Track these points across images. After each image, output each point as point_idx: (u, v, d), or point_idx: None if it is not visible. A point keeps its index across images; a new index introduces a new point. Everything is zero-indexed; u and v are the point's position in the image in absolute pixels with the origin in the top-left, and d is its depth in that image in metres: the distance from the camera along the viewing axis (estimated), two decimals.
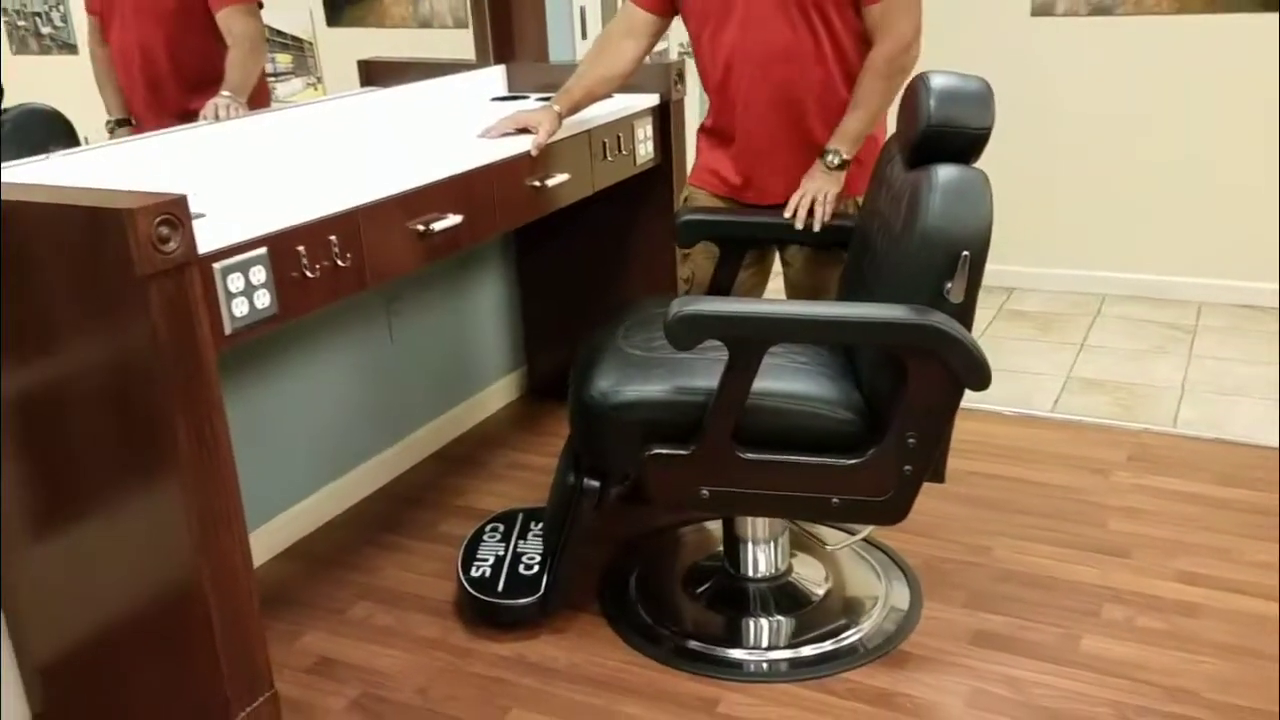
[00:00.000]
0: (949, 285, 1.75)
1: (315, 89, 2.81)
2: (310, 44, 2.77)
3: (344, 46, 2.87)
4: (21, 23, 2.49)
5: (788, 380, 1.89)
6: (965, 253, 1.74)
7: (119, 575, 1.68)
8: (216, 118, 2.29)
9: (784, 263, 2.42)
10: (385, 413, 2.74)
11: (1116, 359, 3.38)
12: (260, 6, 2.47)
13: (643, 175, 2.76)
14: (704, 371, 1.85)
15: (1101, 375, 3.26)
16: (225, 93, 2.35)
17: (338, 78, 2.78)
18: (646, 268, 2.91)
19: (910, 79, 1.92)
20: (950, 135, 1.82)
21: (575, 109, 2.40)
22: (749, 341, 1.76)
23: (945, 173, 1.80)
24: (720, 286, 2.38)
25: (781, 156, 2.28)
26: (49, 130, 2.45)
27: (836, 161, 2.19)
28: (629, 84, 2.52)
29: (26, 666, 1.87)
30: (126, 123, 2.36)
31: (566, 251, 3.05)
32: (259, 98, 2.49)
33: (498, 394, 3.16)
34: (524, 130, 2.31)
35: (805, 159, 2.25)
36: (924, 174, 1.82)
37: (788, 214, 2.22)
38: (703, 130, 2.43)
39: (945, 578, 2.23)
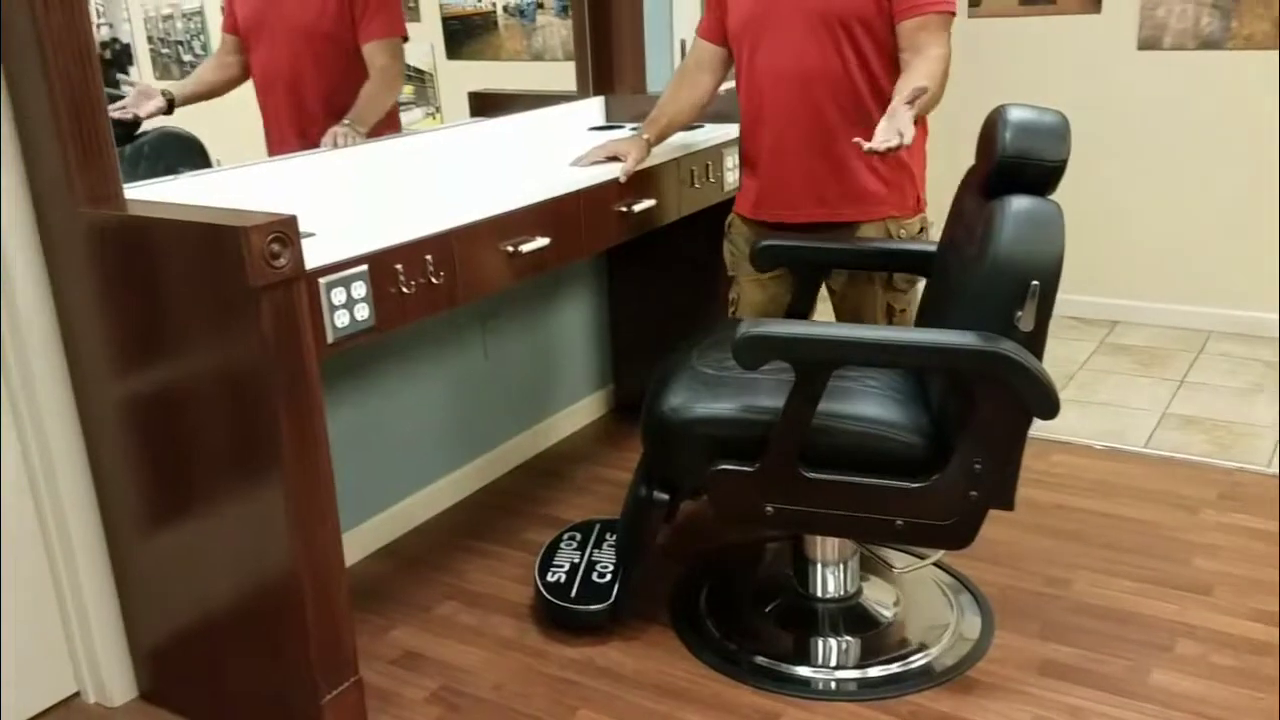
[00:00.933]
0: (1019, 314, 1.78)
1: (434, 118, 2.97)
2: (431, 75, 2.93)
3: (462, 78, 3.02)
4: (165, 50, 2.69)
5: (855, 403, 1.94)
6: (1035, 282, 1.76)
7: (222, 565, 1.83)
8: (335, 145, 2.45)
9: (828, 289, 2.47)
10: (476, 424, 2.87)
11: (1216, 396, 3.29)
12: (405, 40, 2.61)
13: (730, 202, 2.83)
14: (772, 391, 1.92)
15: (1199, 413, 3.18)
16: (346, 121, 2.48)
17: (455, 107, 2.93)
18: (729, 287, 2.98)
19: (990, 112, 1.95)
20: (1026, 167, 1.85)
21: (662, 137, 2.51)
22: (815, 364, 1.81)
23: (1019, 203, 1.82)
24: (798, 311, 2.44)
25: (806, 176, 2.33)
26: (184, 151, 2.64)
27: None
28: (717, 114, 2.63)
29: (137, 648, 2.04)
30: (170, 110, 2.49)
31: (657, 274, 3.15)
32: (389, 126, 2.63)
33: (584, 410, 3.27)
34: (614, 158, 2.42)
35: (838, 180, 2.31)
36: (998, 204, 1.85)
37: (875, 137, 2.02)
38: (741, 159, 2.51)
39: (1020, 608, 2.23)
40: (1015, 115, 1.88)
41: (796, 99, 2.29)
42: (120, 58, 2.73)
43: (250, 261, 1.56)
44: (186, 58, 2.79)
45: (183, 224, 1.65)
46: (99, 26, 2.84)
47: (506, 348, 2.93)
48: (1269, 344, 3.64)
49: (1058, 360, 3.51)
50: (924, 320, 2.17)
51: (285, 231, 1.61)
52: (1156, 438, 3.03)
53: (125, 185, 1.81)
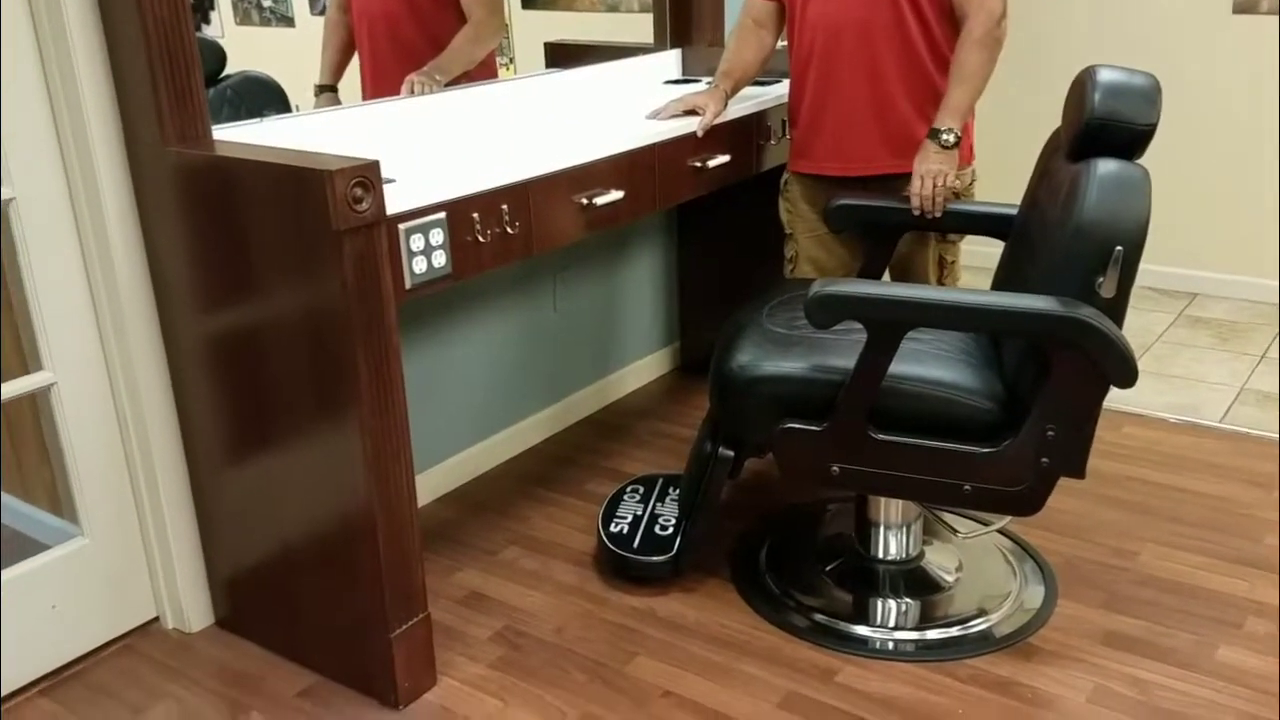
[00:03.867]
0: (1101, 280, 1.74)
1: (508, 69, 2.97)
2: (507, 25, 2.92)
3: (538, 28, 3.03)
4: None
5: (928, 365, 1.92)
6: (1119, 248, 1.72)
7: (299, 499, 1.89)
8: (411, 92, 2.47)
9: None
10: (545, 376, 2.90)
11: None
12: None
13: None
14: (843, 351, 1.91)
15: (1277, 389, 3.09)
16: (425, 69, 2.49)
17: (530, 58, 2.93)
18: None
19: (1079, 72, 1.90)
20: (1114, 129, 1.80)
21: (737, 89, 2.50)
22: (887, 324, 1.80)
23: (1105, 167, 1.78)
24: (870, 273, 2.42)
25: (857, 128, 2.32)
26: (265, 96, 2.68)
27: (951, 140, 2.19)
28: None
29: (214, 577, 2.12)
30: (331, 89, 2.57)
31: (726, 233, 3.13)
32: (486, 72, 2.65)
33: (651, 366, 3.28)
34: (691, 112, 2.40)
35: (885, 130, 2.29)
36: (1084, 167, 1.81)
37: (913, 201, 2.23)
38: (790, 114, 2.48)
39: (1085, 578, 2.21)
40: (1105, 76, 1.83)
41: (848, 49, 2.28)
42: (203, 3, 2.77)
43: (334, 205, 1.59)
44: (266, 3, 2.82)
45: (269, 165, 1.68)
46: None
47: (576, 301, 2.95)
48: None
49: (1134, 331, 3.43)
50: (1001, 282, 2.13)
51: (368, 176, 1.63)
52: (1233, 413, 2.96)
53: (214, 126, 1.85)
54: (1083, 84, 1.85)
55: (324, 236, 1.62)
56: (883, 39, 2.24)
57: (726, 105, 2.45)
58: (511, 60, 3.18)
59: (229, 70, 2.56)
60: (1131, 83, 1.82)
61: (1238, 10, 3.50)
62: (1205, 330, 3.55)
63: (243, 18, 2.77)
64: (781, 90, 2.69)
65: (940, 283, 2.42)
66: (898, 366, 1.85)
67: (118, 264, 1.87)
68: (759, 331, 2.07)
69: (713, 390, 2.08)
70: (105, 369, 1.96)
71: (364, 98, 2.55)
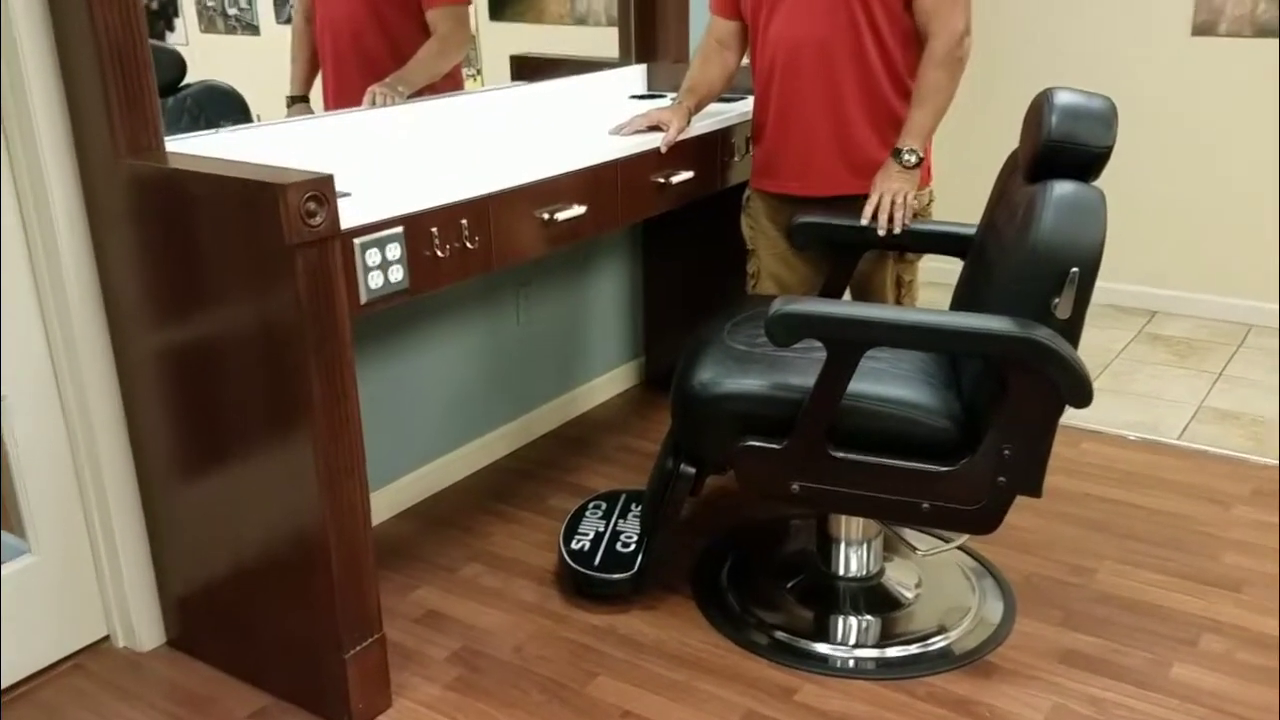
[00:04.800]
0: (1057, 301, 1.76)
1: (475, 80, 2.94)
2: (474, 36, 2.89)
3: (504, 39, 3.00)
4: (210, 3, 2.69)
5: (887, 384, 1.92)
6: (1075, 269, 1.73)
7: (251, 517, 1.86)
8: (373, 104, 2.45)
9: None
10: (508, 390, 2.88)
11: (1254, 392, 3.24)
12: (468, 3, 2.61)
13: None
14: (803, 369, 1.91)
15: (1236, 407, 3.13)
16: (388, 80, 2.47)
17: (497, 69, 2.92)
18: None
19: (1037, 95, 1.92)
20: (1070, 151, 1.82)
21: (701, 106, 2.50)
22: (847, 343, 1.80)
23: (1061, 189, 1.79)
24: (831, 291, 2.43)
25: (815, 148, 2.33)
26: (226, 106, 2.65)
27: (913, 160, 2.20)
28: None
29: (166, 595, 2.08)
30: (303, 99, 2.54)
31: (692, 247, 3.13)
32: (451, 84, 2.64)
33: (615, 380, 3.27)
34: (655, 128, 2.40)
35: (843, 151, 2.30)
36: (1041, 189, 1.82)
37: (866, 219, 2.24)
38: (753, 131, 2.49)
39: (1043, 595, 2.22)
40: (1062, 99, 1.85)
41: (808, 70, 2.28)
42: (166, 10, 2.73)
43: (286, 219, 1.57)
44: (231, 10, 2.79)
45: (221, 178, 1.66)
46: None
47: (540, 314, 2.94)
48: None
49: (1093, 348, 3.47)
50: (960, 301, 2.14)
51: (322, 190, 1.61)
52: (1191, 430, 2.99)
53: (167, 137, 1.82)
54: (1040, 106, 1.87)
55: (277, 251, 1.60)
56: (841, 60, 2.25)
57: (690, 122, 2.45)
58: (479, 71, 3.17)
59: (190, 79, 2.55)
60: (1088, 105, 1.84)
61: (1197, 32, 3.56)
62: (1164, 348, 3.59)
63: (207, 25, 2.74)
64: (745, 107, 2.70)
65: (898, 301, 2.43)
66: (857, 385, 1.85)
67: (67, 276, 1.84)
68: (720, 348, 2.07)
69: (674, 407, 2.07)
70: (55, 383, 1.93)
71: (326, 108, 2.53)
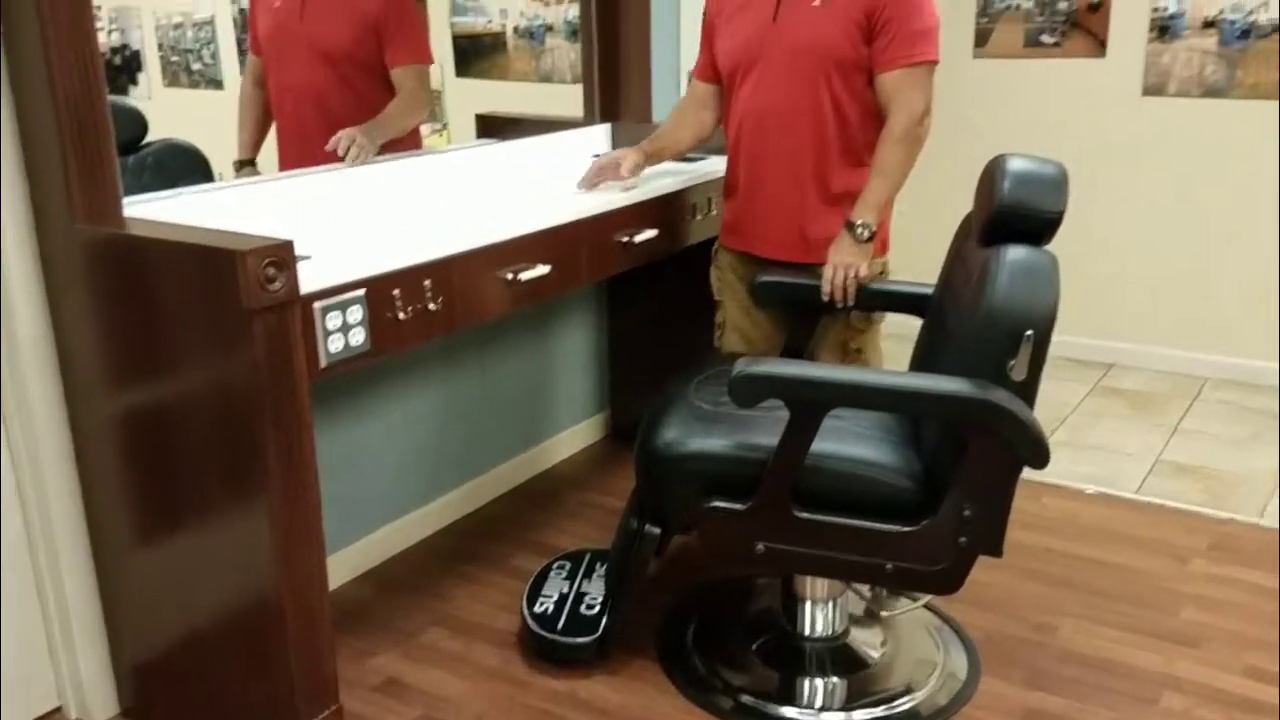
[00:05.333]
0: (1012, 363, 1.78)
1: (440, 135, 2.98)
2: (439, 92, 2.94)
3: (470, 95, 3.05)
4: (175, 58, 2.70)
5: (848, 444, 1.94)
6: (1029, 332, 1.76)
7: (206, 584, 1.82)
8: (341, 149, 2.41)
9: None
10: (471, 446, 2.87)
11: (1210, 445, 3.29)
12: (431, 61, 2.65)
13: None
14: (767, 429, 1.91)
15: (1193, 460, 3.18)
16: (362, 126, 2.46)
17: (462, 124, 2.95)
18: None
19: (990, 161, 1.96)
20: (1023, 216, 1.85)
21: (659, 156, 2.55)
22: (809, 404, 1.81)
23: (1015, 253, 1.83)
24: (794, 349, 2.45)
25: (773, 212, 2.37)
26: (187, 164, 2.64)
27: (865, 235, 2.24)
28: (722, 147, 2.64)
29: (120, 664, 2.03)
30: (251, 163, 2.54)
31: (655, 300, 3.15)
32: (411, 143, 2.66)
33: (580, 435, 3.27)
34: (614, 169, 2.46)
35: (803, 220, 2.33)
36: (994, 253, 1.85)
37: (824, 291, 2.29)
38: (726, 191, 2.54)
39: (1007, 653, 2.22)
40: (1014, 165, 1.89)
41: (772, 138, 2.33)
42: (130, 64, 2.73)
43: (245, 285, 1.56)
44: (195, 65, 2.80)
45: (179, 245, 1.65)
46: (109, 32, 2.85)
47: (503, 369, 2.93)
48: (1265, 393, 3.64)
49: (1050, 402, 3.51)
50: (919, 361, 2.17)
51: (281, 255, 1.61)
52: (1149, 484, 3.02)
53: (127, 199, 1.81)
54: (992, 172, 1.91)
55: (235, 316, 1.59)
56: (802, 130, 2.28)
57: (645, 159, 2.50)
58: (445, 126, 3.19)
59: (153, 134, 2.54)
60: (1040, 172, 1.88)
61: (1147, 93, 3.66)
62: (1121, 401, 3.64)
63: (171, 79, 2.74)
64: (708, 167, 2.74)
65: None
66: (819, 444, 1.86)
67: (22, 340, 1.81)
68: (685, 407, 2.07)
69: (638, 466, 2.07)
70: (6, 446, 1.89)
71: (281, 169, 2.52)
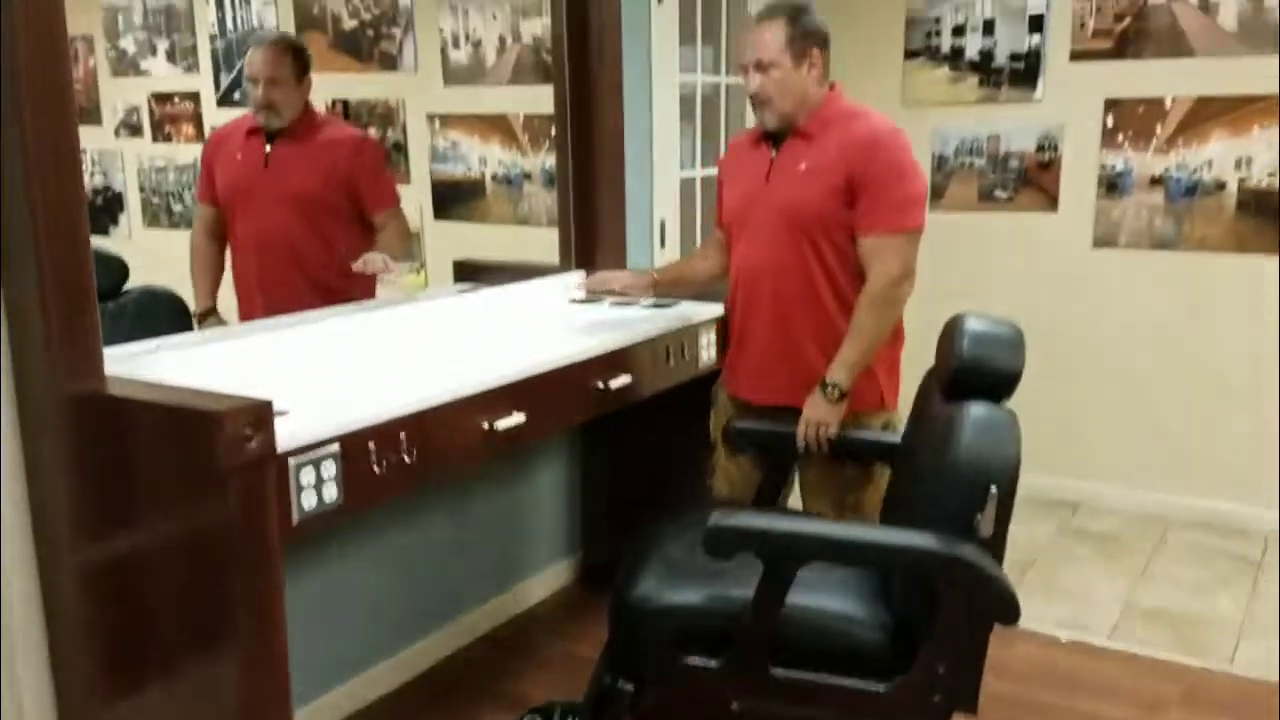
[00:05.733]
0: (979, 517, 1.81)
1: (418, 274, 3.08)
2: (418, 234, 3.07)
3: (449, 237, 3.17)
4: (155, 199, 2.77)
5: (821, 596, 1.94)
6: (994, 488, 1.80)
7: None
8: (373, 268, 2.57)
9: (799, 473, 2.53)
10: (440, 593, 2.84)
11: (1178, 589, 3.31)
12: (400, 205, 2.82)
13: (707, 377, 2.90)
14: (741, 580, 1.91)
15: (1162, 604, 3.19)
16: (379, 250, 2.63)
17: (440, 266, 3.05)
18: (705, 466, 3.01)
19: (949, 320, 2.04)
20: (982, 375, 1.92)
21: (671, 284, 2.71)
22: (781, 558, 1.83)
23: (976, 411, 1.88)
24: (764, 494, 2.47)
25: (769, 362, 2.46)
26: (165, 310, 2.69)
27: (835, 394, 2.30)
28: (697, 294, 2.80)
29: None
30: (213, 311, 2.60)
31: (630, 443, 3.17)
32: (365, 290, 2.73)
33: (552, 578, 3.24)
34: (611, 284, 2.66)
35: (790, 368, 2.41)
36: (957, 410, 1.91)
37: (799, 442, 2.35)
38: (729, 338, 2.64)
39: None
40: (972, 325, 1.96)
41: (762, 288, 2.43)
42: (112, 205, 2.79)
43: (223, 445, 1.58)
44: (176, 208, 2.87)
45: (158, 405, 1.67)
46: (92, 174, 2.92)
47: (474, 513, 2.93)
48: (1229, 535, 3.68)
49: (1020, 544, 3.52)
50: (888, 514, 2.20)
51: (259, 415, 1.63)
52: (1120, 629, 3.03)
53: (107, 349, 1.82)
54: (951, 331, 1.98)
55: (211, 475, 1.60)
56: (792, 286, 2.38)
57: (651, 284, 2.66)
58: (423, 266, 3.26)
59: (132, 272, 2.56)
60: (996, 332, 1.96)
61: (1098, 244, 3.81)
62: (1089, 543, 3.67)
63: (151, 220, 2.80)
64: (684, 311, 2.82)
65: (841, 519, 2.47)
66: (793, 596, 1.87)
67: None
68: (660, 557, 2.08)
69: (611, 619, 2.05)
70: None
71: (244, 316, 2.56)
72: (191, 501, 1.66)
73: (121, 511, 1.76)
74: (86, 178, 2.69)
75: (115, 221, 2.81)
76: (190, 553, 1.68)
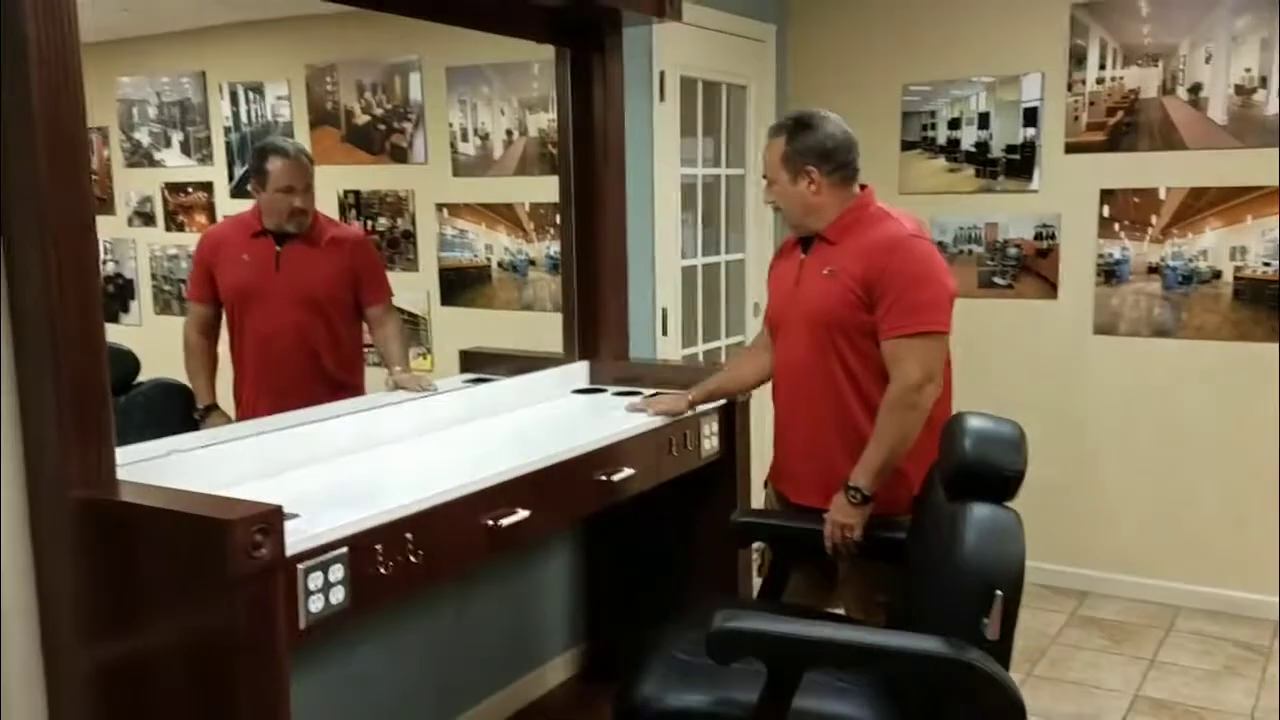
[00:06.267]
0: (985, 620, 1.81)
1: (425, 359, 3.10)
2: (425, 320, 3.11)
3: (454, 322, 3.19)
4: (167, 287, 2.79)
5: (829, 700, 1.93)
6: (999, 592, 1.80)
7: None
8: (398, 387, 2.69)
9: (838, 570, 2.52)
10: (442, 688, 2.81)
11: (1187, 679, 3.27)
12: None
13: (710, 466, 2.91)
14: (747, 683, 1.90)
15: (1171, 696, 3.15)
16: (398, 368, 2.77)
17: (446, 352, 3.09)
18: (713, 555, 2.99)
19: (950, 419, 2.06)
20: (984, 475, 1.93)
21: (709, 396, 2.76)
22: (786, 663, 1.82)
23: (979, 512, 1.89)
24: (773, 587, 2.47)
25: (802, 462, 2.49)
26: (175, 403, 2.70)
27: (858, 498, 2.30)
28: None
29: None
30: (215, 407, 2.62)
31: (636, 533, 3.15)
32: (355, 386, 2.78)
33: (557, 669, 3.21)
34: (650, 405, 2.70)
35: (819, 468, 2.42)
36: (960, 510, 1.92)
37: (826, 543, 2.36)
38: None
39: None
40: (973, 424, 1.98)
41: (794, 391, 2.48)
42: (123, 292, 2.82)
43: (232, 553, 1.59)
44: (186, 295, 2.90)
45: (169, 512, 1.69)
46: (105, 263, 2.95)
47: (477, 607, 2.91)
48: (1235, 622, 3.65)
49: (1029, 632, 3.51)
50: (898, 613, 2.19)
51: (270, 522, 1.64)
52: None
53: (118, 448, 1.84)
54: (953, 430, 2.00)
55: (219, 582, 1.61)
56: (818, 386, 2.40)
57: (686, 406, 2.72)
58: (429, 351, 3.28)
59: (141, 359, 2.56)
60: (997, 431, 1.98)
61: (1098, 331, 3.84)
62: (1097, 632, 3.64)
63: (162, 307, 2.82)
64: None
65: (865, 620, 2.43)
66: (799, 700, 1.85)
67: (5, 594, 1.81)
68: (665, 658, 2.07)
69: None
70: None
71: (247, 410, 2.58)
72: (200, 609, 1.65)
73: (129, 617, 1.75)
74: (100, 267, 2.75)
75: (126, 309, 2.81)
76: (197, 659, 1.68)
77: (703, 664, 2.01)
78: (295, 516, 1.83)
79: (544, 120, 3.30)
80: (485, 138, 3.34)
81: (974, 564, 1.83)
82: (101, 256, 2.69)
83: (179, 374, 2.67)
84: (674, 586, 3.04)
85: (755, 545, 2.67)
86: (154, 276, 2.94)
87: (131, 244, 2.90)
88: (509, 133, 3.35)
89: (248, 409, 2.64)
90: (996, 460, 1.94)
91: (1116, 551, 3.91)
